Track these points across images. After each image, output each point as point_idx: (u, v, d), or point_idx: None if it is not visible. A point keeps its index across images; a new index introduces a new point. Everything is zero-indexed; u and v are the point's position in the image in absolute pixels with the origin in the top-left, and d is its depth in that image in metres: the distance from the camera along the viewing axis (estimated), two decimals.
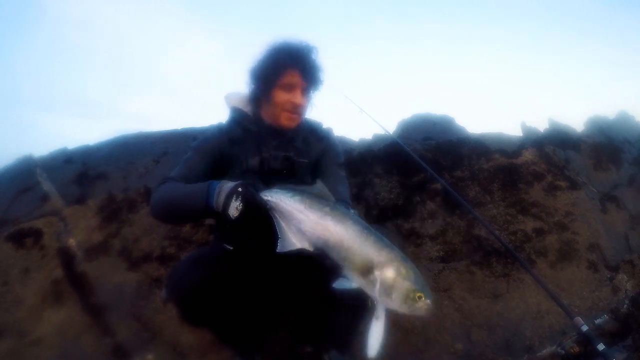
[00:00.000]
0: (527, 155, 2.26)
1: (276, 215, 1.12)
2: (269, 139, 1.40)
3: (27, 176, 2.18)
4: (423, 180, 2.14)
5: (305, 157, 1.43)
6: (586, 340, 1.28)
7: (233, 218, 1.07)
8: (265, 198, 1.12)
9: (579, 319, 1.28)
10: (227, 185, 1.11)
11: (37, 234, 1.89)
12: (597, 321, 1.75)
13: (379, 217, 2.06)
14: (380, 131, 2.44)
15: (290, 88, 1.34)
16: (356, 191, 2.19)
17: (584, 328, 1.26)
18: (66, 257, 1.86)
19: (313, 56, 1.36)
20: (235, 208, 1.08)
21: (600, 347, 1.20)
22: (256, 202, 1.10)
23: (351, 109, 2.11)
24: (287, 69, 1.33)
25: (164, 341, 1.70)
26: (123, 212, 2.00)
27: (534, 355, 1.68)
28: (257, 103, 1.42)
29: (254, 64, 1.40)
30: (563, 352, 1.54)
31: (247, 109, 1.45)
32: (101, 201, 2.02)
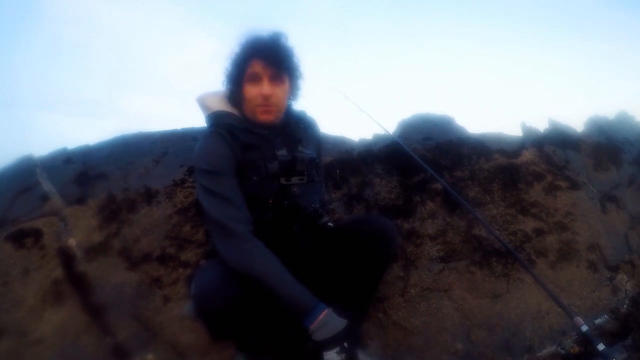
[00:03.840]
0: (527, 155, 2.26)
1: None
2: (276, 138, 1.35)
3: (27, 176, 2.18)
4: (423, 180, 2.14)
5: (313, 153, 1.41)
6: (586, 340, 1.28)
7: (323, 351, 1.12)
8: None
9: (579, 319, 1.28)
10: (335, 325, 1.13)
11: (37, 234, 1.89)
12: (597, 321, 1.75)
13: None
14: (380, 131, 2.45)
15: (256, 79, 1.29)
16: (356, 191, 2.19)
17: (584, 328, 1.26)
18: (66, 257, 1.86)
19: (278, 42, 1.30)
20: (335, 353, 1.11)
21: (600, 347, 1.20)
22: None
23: (351, 108, 2.11)
24: (251, 60, 1.28)
25: (164, 341, 1.70)
26: (123, 212, 2.00)
27: (534, 355, 1.68)
28: (236, 103, 1.37)
29: (225, 63, 1.34)
30: (563, 352, 1.54)
31: (231, 109, 1.38)
32: (101, 201, 2.02)
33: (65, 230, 1.94)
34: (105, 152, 2.37)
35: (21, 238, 1.87)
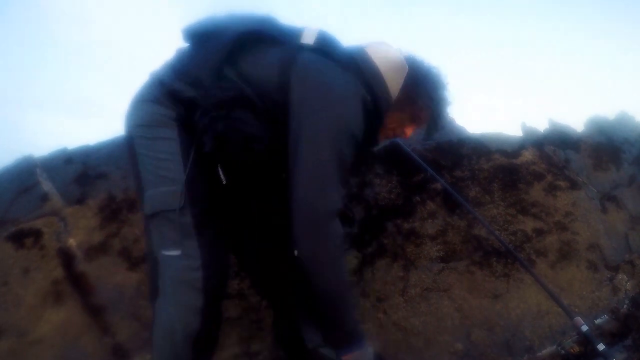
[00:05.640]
0: (527, 155, 2.26)
1: None
2: None
3: (27, 176, 2.17)
4: (423, 180, 2.14)
5: None
6: (586, 340, 1.28)
7: None
8: None
9: (579, 319, 1.28)
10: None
11: (37, 234, 1.89)
12: (597, 321, 1.75)
13: (379, 217, 2.06)
14: None
15: (417, 123, 1.32)
16: (356, 191, 2.19)
17: (584, 328, 1.26)
18: (66, 257, 1.86)
19: None
20: None
21: (600, 347, 1.20)
22: None
23: None
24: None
25: None
26: (123, 212, 2.00)
27: (534, 355, 1.68)
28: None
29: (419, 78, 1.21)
30: (563, 352, 1.55)
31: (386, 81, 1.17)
32: (101, 201, 2.02)
33: (65, 230, 1.94)
34: (105, 152, 2.37)
35: (21, 238, 1.87)
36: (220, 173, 1.18)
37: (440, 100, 1.26)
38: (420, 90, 1.22)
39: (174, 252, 1.12)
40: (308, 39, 1.20)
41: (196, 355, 1.14)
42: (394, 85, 1.18)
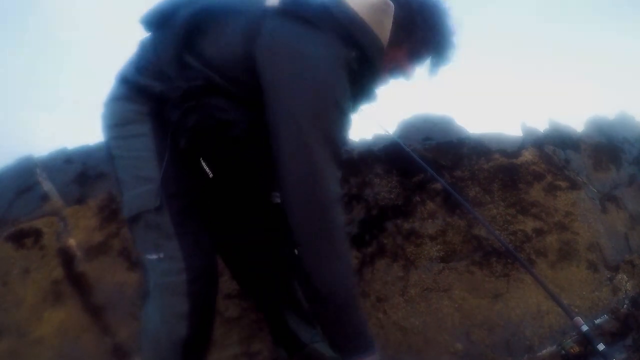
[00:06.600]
0: (527, 155, 2.26)
1: None
2: None
3: (27, 176, 2.17)
4: (423, 180, 2.14)
5: None
6: (586, 340, 1.28)
7: None
8: None
9: (579, 319, 1.28)
10: None
11: (37, 234, 1.89)
12: (597, 321, 1.75)
13: (378, 217, 2.06)
14: (380, 131, 2.44)
15: (418, 61, 1.22)
16: (356, 191, 2.18)
17: (584, 328, 1.26)
18: (66, 257, 1.86)
19: None
20: None
21: (600, 347, 1.20)
22: None
23: None
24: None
25: None
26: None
27: (534, 355, 1.68)
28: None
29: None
30: (563, 352, 1.54)
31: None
32: (101, 201, 2.02)
33: (65, 230, 1.94)
34: (106, 152, 2.36)
35: (21, 238, 1.87)
36: (205, 166, 1.10)
37: (440, 27, 1.11)
38: (415, 21, 1.08)
39: (155, 255, 1.06)
40: None
41: None
42: (382, 26, 1.04)
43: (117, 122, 1.12)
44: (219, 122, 1.01)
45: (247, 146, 1.08)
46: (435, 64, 1.17)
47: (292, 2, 1.04)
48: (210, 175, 1.10)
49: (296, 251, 0.99)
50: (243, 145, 1.07)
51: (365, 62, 1.05)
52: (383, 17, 1.04)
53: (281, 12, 1.02)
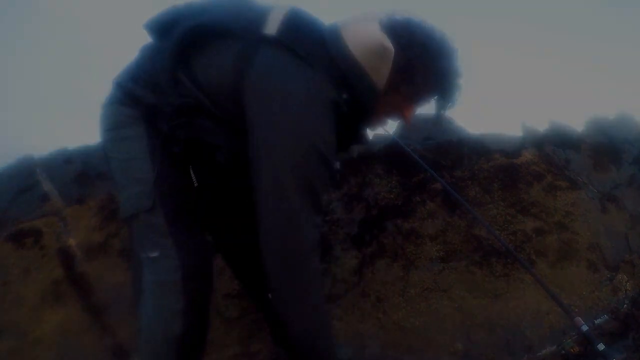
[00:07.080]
0: (527, 155, 2.26)
1: None
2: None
3: (27, 176, 2.17)
4: (423, 180, 2.14)
5: None
6: (586, 340, 1.28)
7: None
8: None
9: (579, 319, 1.28)
10: None
11: (37, 234, 1.89)
12: (597, 321, 1.75)
13: (378, 217, 2.06)
14: (380, 131, 2.44)
15: (419, 103, 1.20)
16: (356, 191, 2.18)
17: (584, 328, 1.26)
18: (66, 257, 1.86)
19: None
20: None
21: (600, 347, 1.20)
22: None
23: None
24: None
25: None
26: None
27: (534, 355, 1.68)
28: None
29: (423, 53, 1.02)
30: (563, 352, 1.55)
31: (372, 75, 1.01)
32: (101, 201, 2.02)
33: (65, 230, 1.94)
34: (103, 154, 2.37)
35: (21, 238, 1.87)
36: (192, 174, 1.12)
37: (444, 71, 1.07)
38: (415, 66, 1.03)
39: (151, 254, 1.07)
40: (272, 25, 1.01)
41: (181, 359, 1.10)
42: (379, 72, 1.01)
43: (112, 126, 1.15)
44: (206, 143, 1.04)
45: (231, 172, 1.10)
46: (440, 106, 1.16)
47: (290, 34, 1.01)
48: (195, 184, 1.13)
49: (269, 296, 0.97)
50: (227, 170, 1.10)
51: (357, 106, 1.03)
52: (381, 62, 1.00)
53: (276, 43, 0.99)
